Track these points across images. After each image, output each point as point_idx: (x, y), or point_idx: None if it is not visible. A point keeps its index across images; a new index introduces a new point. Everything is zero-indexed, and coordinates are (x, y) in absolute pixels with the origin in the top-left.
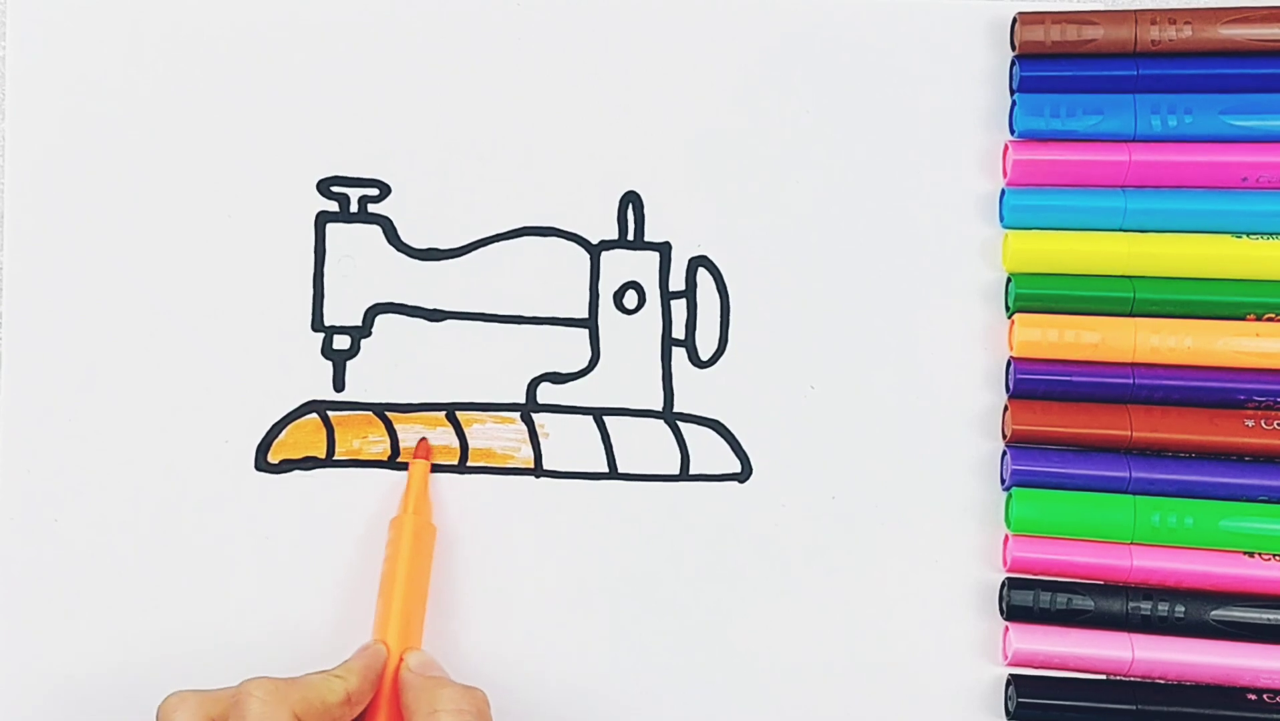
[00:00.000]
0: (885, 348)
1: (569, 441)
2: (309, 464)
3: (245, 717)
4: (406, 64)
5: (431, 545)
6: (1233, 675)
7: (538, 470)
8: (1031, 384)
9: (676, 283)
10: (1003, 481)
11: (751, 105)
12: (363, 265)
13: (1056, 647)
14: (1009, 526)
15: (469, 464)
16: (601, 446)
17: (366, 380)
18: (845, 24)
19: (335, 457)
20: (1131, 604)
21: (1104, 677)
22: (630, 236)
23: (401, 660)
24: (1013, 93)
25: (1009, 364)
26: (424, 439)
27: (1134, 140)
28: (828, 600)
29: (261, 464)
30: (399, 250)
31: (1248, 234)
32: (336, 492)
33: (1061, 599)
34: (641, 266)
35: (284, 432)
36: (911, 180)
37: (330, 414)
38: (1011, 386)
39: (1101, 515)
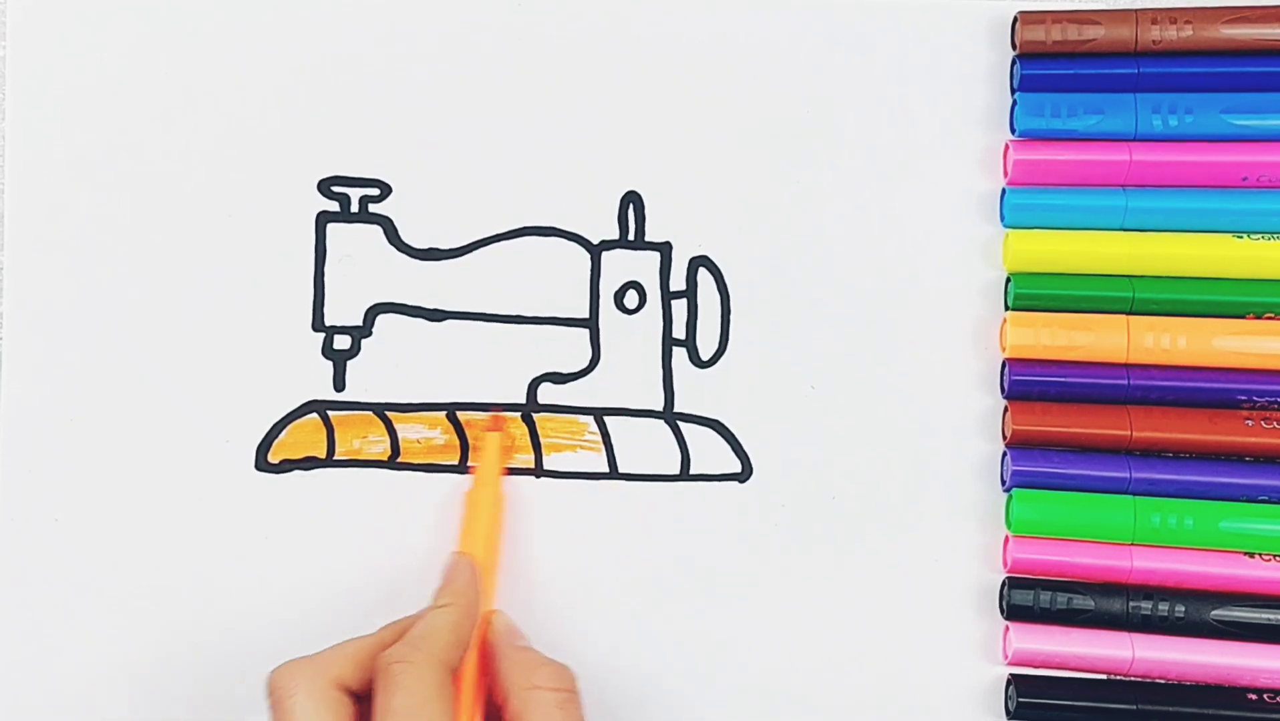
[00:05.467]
0: (886, 348)
1: (570, 441)
2: (309, 464)
3: (394, 694)
4: (406, 64)
5: (501, 516)
6: (1233, 675)
7: (538, 470)
8: (1026, 385)
9: (677, 282)
10: (1003, 482)
11: (751, 105)
12: (363, 265)
13: (1057, 647)
14: (1009, 527)
15: (470, 464)
16: (602, 446)
17: (367, 380)
18: (845, 24)
19: (335, 457)
20: (1132, 603)
21: (1104, 677)
22: (631, 236)
23: (488, 621)
24: (1013, 92)
25: (1004, 365)
26: (496, 414)
27: (1134, 140)
28: (828, 600)
29: (262, 464)
30: (399, 250)
31: (1248, 234)
32: (336, 492)
33: (1062, 598)
34: (642, 266)
35: (284, 433)
36: (911, 180)
37: (330, 414)
38: (1006, 388)
39: (1102, 516)
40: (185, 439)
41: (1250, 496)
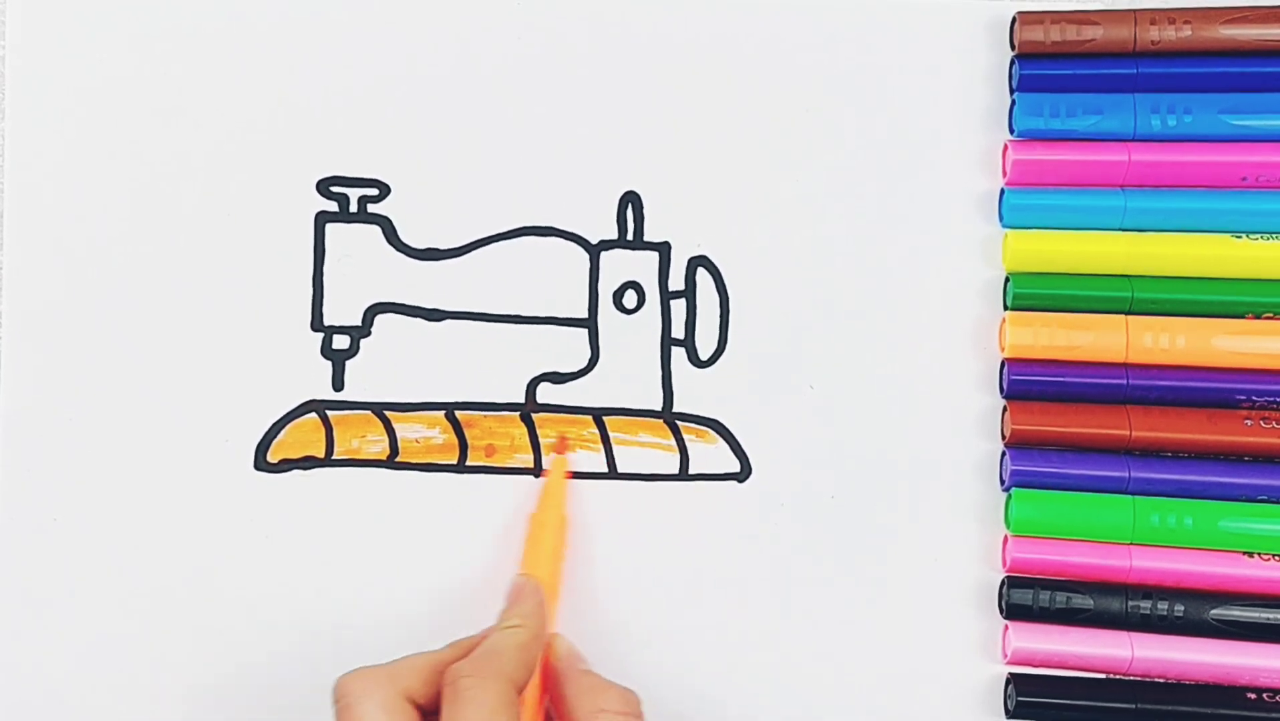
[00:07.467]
0: (885, 347)
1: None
2: (308, 463)
3: (463, 708)
4: (405, 64)
5: (565, 539)
6: (1232, 674)
7: (537, 470)
8: (1025, 385)
9: (676, 282)
10: (1002, 482)
11: (751, 105)
12: (362, 265)
13: (1056, 646)
14: (1009, 527)
15: (469, 464)
16: (601, 446)
17: (366, 380)
18: (845, 24)
19: (334, 457)
20: (1131, 602)
21: (1103, 676)
22: (630, 236)
23: (550, 645)
24: (1012, 92)
25: (1003, 365)
26: (563, 436)
27: (1133, 140)
28: (827, 600)
29: (261, 463)
30: (398, 250)
31: (1247, 234)
32: (336, 492)
33: (1061, 597)
34: (641, 266)
35: (283, 432)
36: (911, 180)
37: (329, 413)
38: (1005, 388)
39: (1101, 516)
40: (184, 438)
41: (1249, 496)
